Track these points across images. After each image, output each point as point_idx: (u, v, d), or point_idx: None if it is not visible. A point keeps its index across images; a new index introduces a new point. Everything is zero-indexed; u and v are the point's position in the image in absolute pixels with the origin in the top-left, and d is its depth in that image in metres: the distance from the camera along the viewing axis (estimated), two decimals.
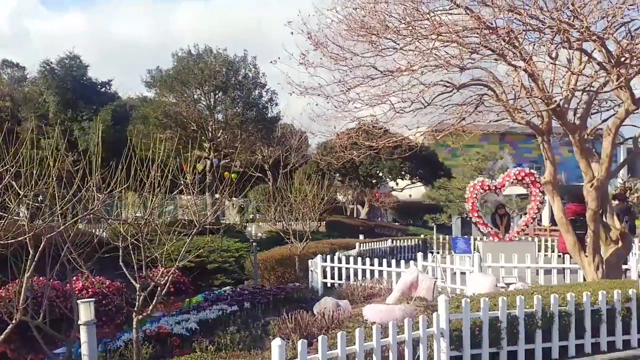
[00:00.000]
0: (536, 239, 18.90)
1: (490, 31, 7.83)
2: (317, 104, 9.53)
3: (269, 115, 29.17)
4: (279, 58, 9.34)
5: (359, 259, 12.62)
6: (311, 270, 13.21)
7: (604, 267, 9.29)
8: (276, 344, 4.83)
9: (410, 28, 8.27)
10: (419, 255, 12.34)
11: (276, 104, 29.64)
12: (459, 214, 26.81)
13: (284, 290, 11.05)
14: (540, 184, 13.28)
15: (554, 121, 9.49)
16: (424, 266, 11.79)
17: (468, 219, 16.95)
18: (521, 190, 17.51)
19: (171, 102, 27.38)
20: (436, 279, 10.18)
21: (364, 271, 12.26)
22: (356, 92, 9.28)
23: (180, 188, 7.50)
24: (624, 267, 10.73)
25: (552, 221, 20.57)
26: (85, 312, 6.28)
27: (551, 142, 10.08)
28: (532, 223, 15.96)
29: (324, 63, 9.22)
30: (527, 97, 9.03)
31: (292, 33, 8.93)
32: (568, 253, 10.66)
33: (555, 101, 8.75)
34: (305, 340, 5.09)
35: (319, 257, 12.90)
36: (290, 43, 9.69)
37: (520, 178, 14.78)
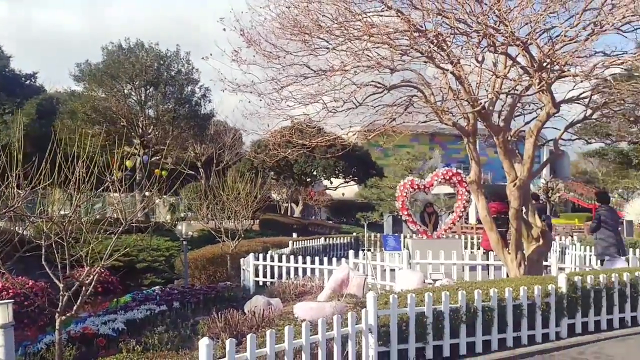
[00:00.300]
0: (463, 237, 19.50)
1: (420, 34, 8.02)
2: (249, 102, 9.48)
3: (202, 111, 28.84)
4: (210, 54, 9.25)
5: (292, 257, 12.66)
6: (243, 269, 13.14)
7: (525, 263, 9.66)
8: (204, 343, 4.78)
9: (342, 28, 8.34)
10: (351, 252, 12.50)
11: (209, 101, 29.33)
12: (390, 212, 27.33)
13: (215, 289, 10.93)
14: (466, 183, 13.71)
15: (480, 123, 9.79)
16: (355, 263, 11.95)
17: (399, 217, 17.30)
18: (449, 189, 18.02)
19: (100, 96, 26.62)
20: (366, 276, 10.36)
21: (296, 269, 12.31)
22: (289, 91, 9.27)
23: (106, 185, 7.28)
24: (544, 263, 11.24)
25: (479, 219, 21.28)
26: (2, 314, 6.01)
27: (477, 143, 10.42)
28: (458, 221, 16.47)
29: (257, 61, 9.19)
30: (454, 99, 9.28)
31: (224, 29, 8.85)
32: (492, 250, 11.06)
33: (481, 103, 9.02)
34: (234, 339, 5.06)
35: (251, 255, 12.85)
36: (223, 39, 9.61)
37: (447, 177, 15.24)
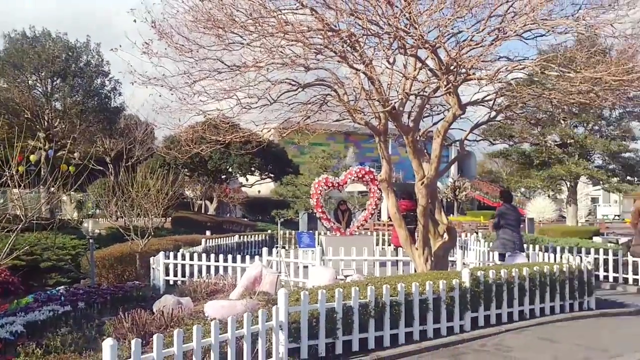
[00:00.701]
0: (374, 233, 19.93)
1: (333, 33, 8.10)
2: (160, 95, 9.25)
3: (112, 105, 27.86)
4: (120, 46, 8.96)
5: (204, 255, 12.48)
6: (153, 268, 12.83)
7: (432, 259, 10.00)
8: (107, 344, 4.62)
9: (257, 24, 8.30)
10: (264, 250, 12.48)
11: (120, 94, 28.36)
12: (305, 210, 27.49)
13: (123, 288, 10.59)
14: (378, 181, 14.01)
15: (390, 123, 10.03)
16: (268, 261, 11.94)
17: (314, 214, 17.44)
18: (363, 187, 18.37)
19: (2, 87, 25.15)
20: (279, 273, 10.38)
21: (208, 267, 12.15)
22: (202, 85, 9.12)
23: (4, 179, 6.90)
24: (450, 259, 11.68)
25: (390, 216, 21.81)
26: None
27: (388, 143, 10.68)
28: (370, 218, 16.82)
29: (168, 54, 8.98)
30: (366, 99, 9.46)
31: (135, 21, 8.60)
32: (401, 246, 11.37)
33: (391, 104, 9.25)
34: (140, 339, 4.92)
35: (161, 253, 12.56)
36: (134, 31, 9.33)
37: (360, 176, 15.52)
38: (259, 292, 8.79)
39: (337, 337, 6.87)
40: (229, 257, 12.15)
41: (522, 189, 39.25)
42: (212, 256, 12.33)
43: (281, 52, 8.53)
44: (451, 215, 40.00)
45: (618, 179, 32.97)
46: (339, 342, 6.89)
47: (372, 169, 15.94)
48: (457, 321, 8.13)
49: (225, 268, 11.94)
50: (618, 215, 58.51)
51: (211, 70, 9.05)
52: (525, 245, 14.24)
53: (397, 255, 12.42)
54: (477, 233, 18.80)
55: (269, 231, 22.81)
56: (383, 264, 12.55)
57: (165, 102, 9.35)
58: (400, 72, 9.40)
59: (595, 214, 51.39)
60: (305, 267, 11.71)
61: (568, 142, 31.52)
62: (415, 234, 10.55)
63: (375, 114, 9.78)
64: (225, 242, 17.80)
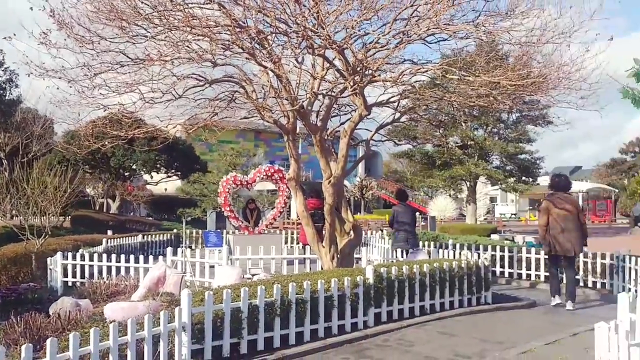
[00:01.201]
0: (284, 232, 19.98)
1: (241, 30, 8.02)
2: (58, 88, 8.79)
3: (7, 97, 26.36)
4: (14, 34, 8.42)
5: (105, 255, 12.02)
6: (50, 269, 12.21)
7: (338, 256, 10.13)
8: None
9: (162, 17, 8.06)
10: (169, 250, 12.18)
11: (17, 86, 26.82)
12: (214, 208, 27.09)
13: (16, 291, 9.99)
14: (287, 180, 14.06)
15: (299, 122, 10.07)
16: (173, 261, 11.66)
17: (222, 213, 17.23)
18: (272, 186, 18.36)
19: None
20: (184, 273, 10.16)
21: (109, 268, 11.70)
22: (103, 79, 8.74)
23: None
24: (356, 256, 11.89)
25: None
26: None
27: (299, 142, 10.72)
28: (279, 217, 16.86)
29: (68, 45, 8.54)
30: (275, 97, 9.45)
31: (31, 9, 8.12)
32: (309, 244, 11.46)
33: (300, 103, 9.29)
34: (31, 345, 4.65)
35: (59, 254, 11.97)
36: (30, 19, 8.79)
37: (270, 174, 15.52)
38: (163, 293, 8.57)
39: (242, 337, 6.81)
40: (132, 257, 11.78)
41: (425, 188, 40.69)
42: (114, 256, 11.90)
43: (187, 46, 8.32)
44: (358, 213, 40.79)
45: (514, 179, 34.95)
46: (244, 341, 6.84)
47: (281, 167, 15.97)
48: (361, 317, 8.24)
49: (128, 269, 11.56)
50: (514, 214, 62.02)
51: (113, 63, 8.69)
52: (427, 243, 14.80)
53: (304, 253, 12.50)
54: (382, 231, 19.24)
55: (175, 230, 22.30)
56: (291, 262, 12.59)
57: (63, 95, 8.89)
58: (309, 72, 9.46)
59: (493, 213, 54.09)
60: (212, 266, 11.54)
61: (468, 143, 33.05)
62: (323, 231, 10.67)
63: (284, 112, 9.77)
64: (128, 242, 17.20)
